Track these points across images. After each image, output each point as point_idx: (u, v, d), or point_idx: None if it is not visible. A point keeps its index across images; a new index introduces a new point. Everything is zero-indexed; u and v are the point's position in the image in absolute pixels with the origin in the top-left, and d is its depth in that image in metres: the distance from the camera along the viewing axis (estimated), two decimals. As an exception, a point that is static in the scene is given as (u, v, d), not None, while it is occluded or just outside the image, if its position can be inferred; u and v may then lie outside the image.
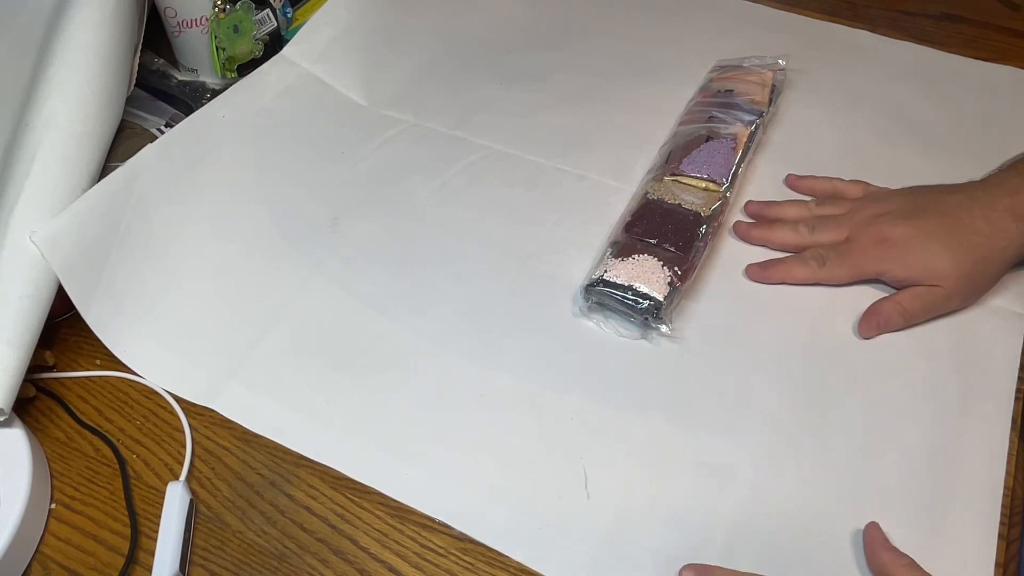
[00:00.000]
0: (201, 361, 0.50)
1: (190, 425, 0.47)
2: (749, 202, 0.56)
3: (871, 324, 0.49)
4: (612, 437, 0.45)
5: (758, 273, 0.52)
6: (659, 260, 0.50)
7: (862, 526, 0.41)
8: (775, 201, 0.56)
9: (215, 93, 0.66)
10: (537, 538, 0.42)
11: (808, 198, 0.57)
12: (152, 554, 0.41)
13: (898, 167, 0.60)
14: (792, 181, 0.58)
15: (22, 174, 0.49)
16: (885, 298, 0.49)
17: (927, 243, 0.48)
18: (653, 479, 0.44)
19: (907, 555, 0.39)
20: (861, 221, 0.51)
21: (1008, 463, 0.44)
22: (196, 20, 0.65)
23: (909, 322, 0.49)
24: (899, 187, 0.55)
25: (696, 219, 0.52)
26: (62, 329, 0.52)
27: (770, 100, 0.61)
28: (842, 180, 0.57)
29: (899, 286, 0.50)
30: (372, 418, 0.47)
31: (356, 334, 0.51)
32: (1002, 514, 0.42)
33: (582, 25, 0.74)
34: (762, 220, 0.55)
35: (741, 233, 0.54)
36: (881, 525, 0.41)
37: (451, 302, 0.52)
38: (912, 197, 0.52)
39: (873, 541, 0.40)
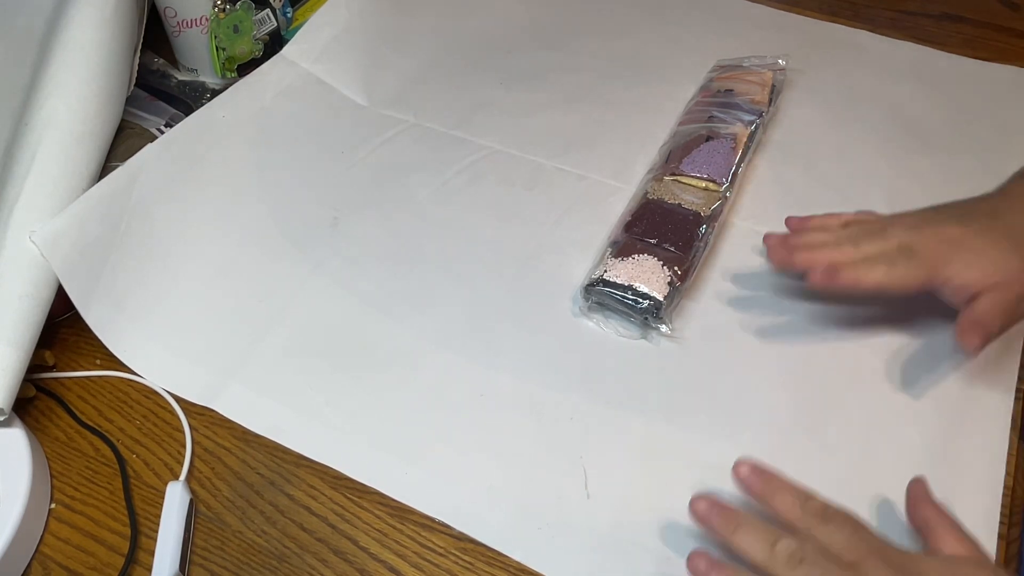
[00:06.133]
0: (201, 361, 0.50)
1: (190, 425, 0.47)
2: (787, 226, 0.50)
3: (978, 337, 0.42)
4: (612, 437, 0.45)
5: (827, 278, 0.45)
6: (659, 260, 0.50)
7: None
8: (808, 217, 0.50)
9: (215, 93, 0.66)
10: (537, 538, 0.42)
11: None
12: (152, 554, 0.41)
13: (898, 167, 0.60)
14: (796, 223, 0.51)
15: (22, 174, 0.49)
16: (970, 308, 0.43)
17: (992, 241, 0.44)
18: (653, 479, 0.44)
19: (950, 515, 0.38)
20: (908, 226, 0.46)
21: (1008, 463, 0.44)
22: (196, 20, 0.65)
23: (1002, 332, 0.43)
24: (898, 196, 0.54)
25: (696, 219, 0.52)
26: (62, 329, 0.52)
27: (770, 100, 0.61)
28: (848, 213, 0.51)
29: (961, 293, 0.44)
30: (372, 418, 0.47)
31: (356, 334, 0.51)
32: (1002, 514, 0.42)
33: (582, 25, 0.74)
34: (795, 234, 0.49)
35: (779, 260, 0.47)
36: (881, 525, 0.41)
37: (451, 301, 0.52)
38: (946, 208, 0.47)
39: (917, 496, 0.39)
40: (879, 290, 0.45)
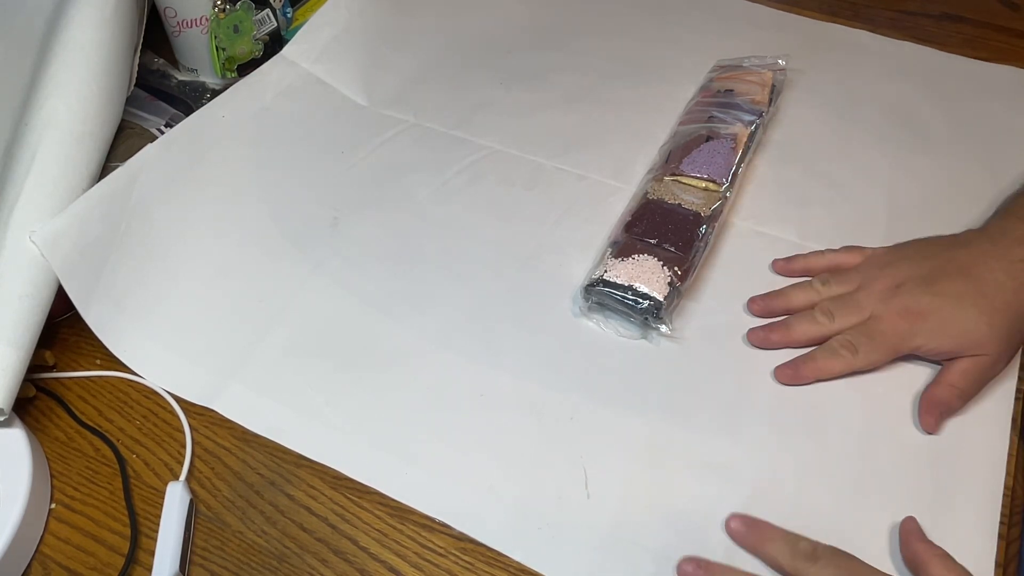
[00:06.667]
0: (201, 361, 0.50)
1: (190, 425, 0.47)
2: (752, 300, 0.51)
3: (935, 417, 0.45)
4: (612, 437, 0.45)
5: (791, 376, 0.47)
6: (659, 260, 0.50)
7: (862, 526, 0.41)
8: (778, 291, 0.51)
9: (215, 93, 0.66)
10: (537, 538, 0.42)
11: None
12: (152, 554, 0.41)
13: (898, 167, 0.60)
14: (782, 266, 0.53)
15: (22, 174, 0.49)
16: (935, 383, 0.46)
17: (959, 310, 0.45)
18: (653, 479, 0.44)
19: (940, 547, 0.39)
20: (880, 295, 0.47)
21: (1008, 463, 0.44)
22: (196, 20, 0.65)
23: (966, 401, 0.45)
24: (898, 196, 0.54)
25: (696, 219, 0.52)
26: (62, 329, 0.52)
27: (770, 100, 0.61)
28: (833, 250, 0.53)
29: (937, 358, 0.47)
30: (372, 418, 0.47)
31: (356, 334, 0.51)
32: (1002, 514, 0.42)
33: (582, 25, 0.74)
34: (771, 314, 0.50)
35: (759, 341, 0.49)
36: (881, 524, 0.41)
37: (451, 302, 0.52)
38: (921, 258, 0.49)
39: (908, 532, 0.40)
40: (848, 375, 0.47)
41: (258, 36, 0.68)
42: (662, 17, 0.74)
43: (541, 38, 0.73)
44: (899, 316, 0.47)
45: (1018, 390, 0.47)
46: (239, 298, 0.53)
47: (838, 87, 0.67)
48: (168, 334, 0.51)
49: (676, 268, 0.49)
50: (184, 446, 0.46)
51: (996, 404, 0.46)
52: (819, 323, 0.48)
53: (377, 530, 0.43)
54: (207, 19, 0.65)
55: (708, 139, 0.57)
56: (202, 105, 0.63)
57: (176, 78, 0.69)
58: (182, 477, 0.45)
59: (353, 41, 0.71)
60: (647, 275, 0.49)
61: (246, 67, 0.68)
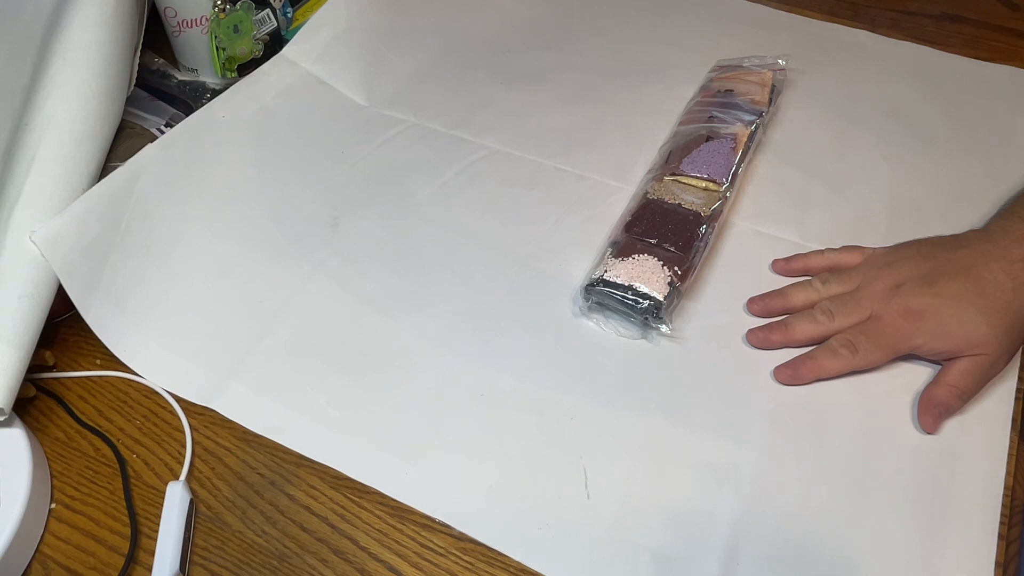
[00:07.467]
0: (201, 361, 0.50)
1: (190, 425, 0.47)
2: (752, 300, 0.51)
3: (933, 417, 0.45)
4: (612, 437, 0.45)
5: (791, 376, 0.47)
6: (659, 260, 0.50)
7: (862, 526, 0.41)
8: (777, 291, 0.51)
9: (215, 93, 0.66)
10: (537, 538, 0.42)
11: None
12: (152, 554, 0.41)
13: (898, 167, 0.60)
14: (782, 266, 0.53)
15: (22, 174, 0.49)
16: (934, 383, 0.46)
17: (958, 310, 0.46)
18: (653, 479, 0.44)
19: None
20: (879, 295, 0.48)
21: (1008, 463, 0.44)
22: (196, 20, 0.65)
23: (966, 402, 0.45)
24: (898, 196, 0.54)
25: (696, 219, 0.52)
26: (62, 329, 0.52)
27: (770, 100, 0.61)
28: (833, 250, 0.53)
29: (936, 358, 0.47)
30: (372, 418, 0.47)
31: (356, 334, 0.51)
32: (1002, 514, 0.42)
33: (582, 25, 0.74)
34: (771, 314, 0.51)
35: (759, 341, 0.49)
36: (881, 525, 0.42)
37: (451, 302, 0.52)
38: (921, 258, 0.49)
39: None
40: (847, 374, 0.47)
41: (258, 36, 0.68)
42: (662, 17, 0.74)
43: (541, 38, 0.73)
44: (899, 316, 0.47)
45: (1018, 390, 0.47)
46: (239, 298, 0.53)
47: (838, 87, 0.67)
48: (168, 334, 0.51)
49: (676, 268, 0.50)
50: (184, 446, 0.46)
51: (996, 404, 0.46)
52: (819, 322, 0.48)
53: (377, 530, 0.43)
54: (207, 19, 0.65)
55: (708, 139, 0.57)
56: (202, 105, 0.63)
57: (176, 78, 0.69)
58: (182, 477, 0.45)
59: (353, 41, 0.71)
60: (647, 275, 0.49)
61: (246, 67, 0.68)
